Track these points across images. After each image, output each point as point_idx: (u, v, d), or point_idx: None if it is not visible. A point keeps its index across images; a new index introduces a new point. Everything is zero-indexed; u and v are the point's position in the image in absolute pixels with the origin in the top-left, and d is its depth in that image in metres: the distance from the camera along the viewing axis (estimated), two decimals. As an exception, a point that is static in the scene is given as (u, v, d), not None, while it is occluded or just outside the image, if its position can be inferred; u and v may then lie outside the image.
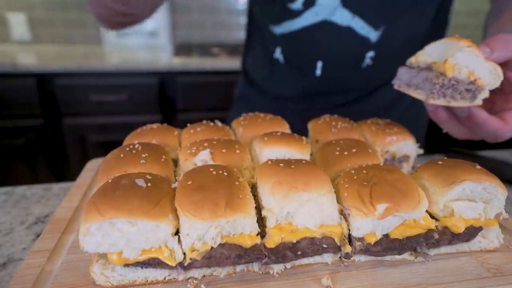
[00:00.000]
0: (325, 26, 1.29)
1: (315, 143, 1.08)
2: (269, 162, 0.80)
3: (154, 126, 1.08)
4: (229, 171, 0.76)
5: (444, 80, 0.84)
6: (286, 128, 1.11)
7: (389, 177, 0.76)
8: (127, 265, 0.68)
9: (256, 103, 1.63)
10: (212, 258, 0.67)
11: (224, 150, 0.89)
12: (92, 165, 1.19)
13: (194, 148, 0.90)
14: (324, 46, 1.34)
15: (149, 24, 3.67)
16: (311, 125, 1.16)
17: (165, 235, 0.66)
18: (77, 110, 3.03)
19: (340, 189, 0.78)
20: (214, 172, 0.74)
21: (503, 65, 0.87)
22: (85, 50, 3.49)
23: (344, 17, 1.27)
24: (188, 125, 1.11)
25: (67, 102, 2.99)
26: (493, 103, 0.94)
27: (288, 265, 0.75)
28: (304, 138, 0.98)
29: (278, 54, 1.44)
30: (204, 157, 0.87)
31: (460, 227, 0.75)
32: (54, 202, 1.10)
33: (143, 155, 0.86)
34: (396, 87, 0.96)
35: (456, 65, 0.83)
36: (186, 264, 0.68)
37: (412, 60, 0.92)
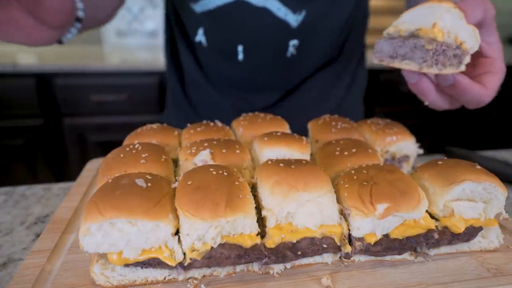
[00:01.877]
0: (240, 6, 1.26)
1: (315, 143, 1.08)
2: (269, 162, 0.80)
3: (154, 126, 1.08)
4: (229, 171, 0.76)
5: (437, 46, 0.78)
6: (286, 128, 1.11)
7: (389, 177, 0.76)
8: (127, 265, 0.68)
9: (187, 107, 1.58)
10: (212, 258, 0.67)
11: (224, 150, 0.89)
12: (92, 165, 1.19)
13: (194, 148, 0.90)
14: (243, 29, 1.31)
15: (149, 24, 3.68)
16: (311, 125, 1.16)
17: (165, 235, 0.66)
18: (77, 110, 3.03)
19: (340, 189, 0.78)
20: (214, 172, 0.74)
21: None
22: (85, 50, 3.49)
23: None
24: (188, 125, 1.11)
25: (67, 102, 2.99)
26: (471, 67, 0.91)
27: (288, 265, 0.75)
28: (304, 138, 0.98)
29: (200, 36, 1.40)
30: (204, 157, 0.87)
31: (460, 227, 0.75)
32: (54, 202, 1.10)
33: (143, 155, 0.86)
34: (377, 61, 0.88)
35: (444, 29, 0.78)
36: (186, 264, 0.68)
37: (390, 30, 0.84)
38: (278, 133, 0.96)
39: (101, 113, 3.08)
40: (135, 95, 3.07)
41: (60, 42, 1.03)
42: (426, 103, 0.92)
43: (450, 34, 0.78)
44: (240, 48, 1.35)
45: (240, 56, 1.37)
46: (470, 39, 0.80)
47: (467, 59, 0.81)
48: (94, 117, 3.08)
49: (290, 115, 1.24)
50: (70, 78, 2.92)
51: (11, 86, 2.86)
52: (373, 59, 0.89)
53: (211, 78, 1.49)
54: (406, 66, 0.82)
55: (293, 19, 1.28)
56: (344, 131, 1.06)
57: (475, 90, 0.83)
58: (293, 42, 1.33)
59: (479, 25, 0.83)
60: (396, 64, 0.84)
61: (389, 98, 3.54)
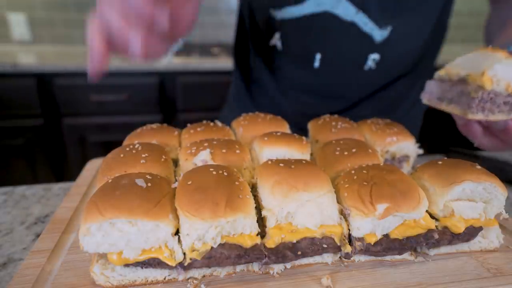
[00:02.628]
0: (327, 18, 1.26)
1: (315, 143, 1.08)
2: (269, 162, 0.80)
3: (154, 126, 1.08)
4: (229, 171, 0.76)
5: (483, 94, 0.79)
6: (286, 128, 1.11)
7: (389, 177, 0.76)
8: (127, 265, 0.68)
9: (249, 104, 1.60)
10: (212, 258, 0.68)
11: (224, 150, 0.89)
12: (92, 165, 1.19)
13: (194, 148, 0.90)
14: (324, 39, 1.31)
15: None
16: (311, 125, 1.16)
17: (165, 235, 0.66)
18: (77, 110, 3.03)
19: (340, 189, 0.78)
20: (214, 172, 0.74)
21: None
22: (85, 50, 3.48)
23: (348, 11, 1.24)
24: (188, 125, 1.11)
25: (67, 102, 2.99)
26: None
27: (288, 265, 0.75)
28: (304, 138, 0.98)
29: (276, 40, 1.39)
30: (204, 157, 0.87)
31: (460, 227, 0.75)
32: (54, 202, 1.10)
33: (143, 155, 0.86)
34: (425, 101, 0.91)
35: (494, 77, 0.79)
36: (186, 264, 0.68)
37: (441, 73, 0.87)
38: (278, 133, 0.96)
39: (101, 113, 3.08)
40: (135, 95, 3.07)
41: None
42: (475, 145, 0.93)
43: (500, 82, 0.79)
44: (317, 56, 1.35)
45: (316, 64, 1.36)
46: None
47: None
48: (94, 117, 3.08)
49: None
50: (70, 78, 2.92)
51: (11, 86, 2.86)
52: (422, 98, 0.93)
53: (280, 81, 1.49)
54: (452, 110, 0.85)
55: (378, 34, 1.27)
56: (344, 131, 1.06)
57: None
58: (374, 56, 1.32)
59: None
60: (443, 107, 0.86)
61: None
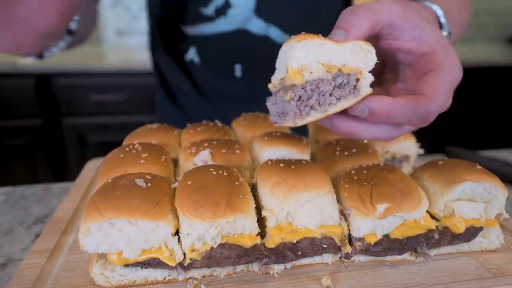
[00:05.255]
0: (241, 34, 1.27)
1: (315, 143, 1.08)
2: (269, 162, 0.80)
3: (154, 126, 1.08)
4: (229, 171, 0.76)
5: (296, 91, 0.64)
6: (286, 128, 1.11)
7: (390, 177, 0.76)
8: (127, 265, 0.68)
9: (174, 111, 1.55)
10: (212, 258, 0.67)
11: (224, 150, 0.89)
12: (92, 165, 1.19)
13: (194, 148, 0.90)
14: (242, 51, 1.31)
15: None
16: (311, 125, 1.16)
17: (165, 235, 0.66)
18: (77, 110, 3.03)
19: (340, 189, 0.78)
20: (214, 172, 0.74)
21: (379, 36, 0.71)
22: (85, 50, 3.48)
23: (258, 26, 1.25)
24: (188, 125, 1.11)
25: (66, 102, 2.99)
26: (403, 83, 0.74)
27: (288, 265, 0.75)
28: (304, 138, 0.98)
29: (192, 54, 1.36)
30: (204, 157, 0.87)
31: (460, 227, 0.75)
32: (54, 202, 1.10)
33: (143, 155, 0.86)
34: (276, 125, 0.72)
35: (302, 67, 0.64)
36: (186, 264, 0.68)
37: (270, 87, 0.70)
38: (278, 133, 0.96)
39: (101, 113, 3.08)
40: (135, 95, 3.07)
41: (40, 56, 0.95)
42: (365, 141, 0.78)
43: (313, 69, 0.64)
44: (238, 67, 1.35)
45: (238, 73, 1.37)
46: (355, 57, 0.65)
47: (366, 80, 0.66)
48: (94, 117, 3.08)
49: None
50: (70, 78, 2.92)
51: (11, 86, 2.86)
52: (272, 121, 0.73)
53: (204, 92, 1.47)
54: (288, 123, 0.68)
55: None
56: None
57: (403, 106, 0.63)
58: None
59: (390, 28, 0.68)
60: (284, 123, 0.69)
61: None
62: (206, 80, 1.44)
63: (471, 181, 0.76)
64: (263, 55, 1.28)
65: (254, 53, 1.30)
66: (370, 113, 0.64)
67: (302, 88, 0.64)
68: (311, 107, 0.65)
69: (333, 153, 0.94)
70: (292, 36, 0.64)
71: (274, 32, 1.26)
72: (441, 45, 0.67)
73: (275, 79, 0.68)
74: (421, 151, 1.10)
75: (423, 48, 0.68)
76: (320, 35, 0.64)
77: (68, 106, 3.00)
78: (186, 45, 1.39)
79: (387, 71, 0.77)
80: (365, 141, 1.00)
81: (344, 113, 0.68)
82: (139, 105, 3.10)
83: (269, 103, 0.71)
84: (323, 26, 1.26)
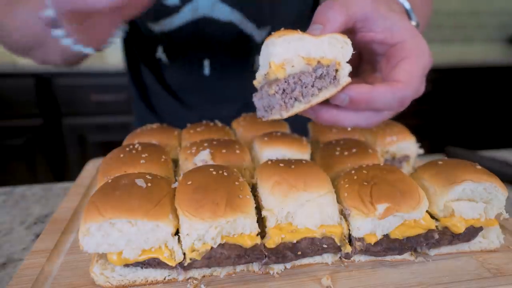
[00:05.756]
0: (207, 22, 1.26)
1: (315, 143, 1.08)
2: (269, 162, 0.80)
3: (154, 126, 1.08)
4: (229, 171, 0.76)
5: (280, 85, 0.67)
6: (286, 128, 1.11)
7: (390, 177, 0.76)
8: (127, 265, 0.68)
9: (148, 113, 1.54)
10: (212, 258, 0.67)
11: (224, 150, 0.89)
12: (92, 165, 1.19)
13: (194, 148, 0.90)
14: (209, 43, 1.31)
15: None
16: (311, 125, 1.16)
17: (165, 235, 0.66)
18: (77, 110, 3.03)
19: (340, 189, 0.78)
20: (214, 172, 0.74)
21: (354, 30, 0.74)
22: (85, 50, 3.48)
23: (224, 12, 1.25)
24: (188, 125, 1.11)
25: (66, 102, 2.99)
26: (379, 72, 0.78)
27: (288, 265, 0.75)
28: (304, 138, 0.98)
29: (160, 53, 1.36)
30: (204, 157, 0.87)
31: (460, 227, 0.75)
32: (54, 202, 1.10)
33: (143, 155, 0.86)
34: (264, 119, 0.73)
35: (284, 62, 0.66)
36: (186, 264, 0.68)
37: (255, 83, 0.73)
38: (278, 133, 0.96)
39: (101, 113, 3.08)
40: (135, 95, 3.07)
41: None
42: (349, 128, 0.83)
43: (294, 62, 0.67)
44: (206, 62, 1.35)
45: (206, 71, 1.37)
46: (332, 49, 0.68)
47: (344, 70, 0.69)
48: (94, 117, 3.08)
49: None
50: (70, 78, 2.92)
51: (11, 86, 2.86)
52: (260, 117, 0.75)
53: (176, 92, 1.47)
54: (273, 116, 0.71)
55: (258, 34, 1.30)
56: (344, 131, 1.06)
57: (381, 92, 0.67)
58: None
59: (363, 20, 0.71)
60: (270, 117, 0.71)
61: None
62: (175, 80, 1.45)
63: (471, 181, 0.76)
64: (229, 46, 1.31)
65: (221, 44, 1.31)
66: (350, 101, 0.68)
67: (285, 82, 0.67)
68: (295, 99, 0.68)
69: (333, 153, 0.94)
70: (273, 33, 0.67)
71: (237, 18, 1.27)
72: (411, 33, 0.71)
73: (259, 75, 0.71)
74: (421, 151, 1.10)
75: (395, 37, 0.71)
76: (298, 30, 0.68)
77: (68, 106, 3.00)
78: (154, 44, 1.38)
79: (364, 63, 0.80)
80: (363, 139, 1.01)
81: (327, 103, 0.71)
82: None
83: (256, 98, 0.73)
84: (289, 16, 1.26)
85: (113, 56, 3.32)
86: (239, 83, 1.39)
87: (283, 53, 0.66)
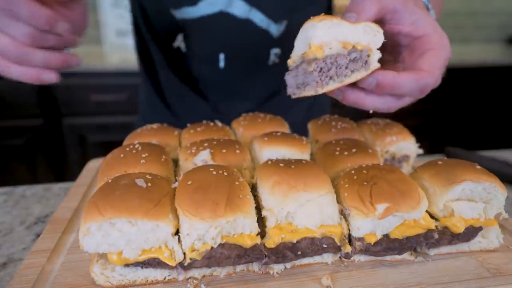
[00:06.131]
0: (223, 17, 1.27)
1: (315, 143, 1.08)
2: (269, 162, 0.80)
3: (154, 126, 1.08)
4: (229, 171, 0.76)
5: (318, 63, 0.74)
6: (286, 128, 1.11)
7: (389, 177, 0.76)
8: (127, 265, 0.68)
9: (162, 108, 1.54)
10: (212, 258, 0.67)
11: (224, 150, 0.89)
12: (92, 165, 1.19)
13: (194, 148, 0.90)
14: (225, 38, 1.32)
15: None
16: (311, 125, 1.16)
17: (165, 235, 0.66)
18: (77, 110, 3.02)
19: (340, 189, 0.78)
20: (214, 172, 0.74)
21: (383, 21, 0.80)
22: (85, 50, 3.49)
23: (241, 9, 1.26)
24: (188, 125, 1.11)
25: (67, 102, 2.99)
26: (401, 63, 0.84)
27: (288, 265, 0.75)
28: (304, 138, 0.98)
29: (179, 41, 1.37)
30: (204, 157, 0.87)
31: (460, 227, 0.75)
32: (54, 202, 1.10)
33: (143, 155, 0.86)
34: (293, 96, 0.82)
35: (322, 44, 0.73)
36: (186, 264, 0.68)
37: (289, 63, 0.80)
38: (278, 133, 0.96)
39: (101, 113, 3.07)
40: (135, 95, 3.06)
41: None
42: (371, 112, 0.86)
43: (332, 45, 0.73)
44: (221, 56, 1.36)
45: (222, 64, 1.37)
46: (366, 36, 0.75)
47: (375, 56, 0.76)
48: (94, 117, 3.08)
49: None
50: (70, 78, 2.91)
51: (11, 86, 2.86)
52: (288, 94, 0.83)
53: (190, 82, 1.48)
54: (307, 92, 0.78)
55: (275, 29, 1.30)
56: (344, 131, 1.06)
57: (406, 79, 0.73)
58: (275, 51, 1.36)
59: (393, 13, 0.78)
60: (303, 94, 0.79)
61: None
62: (192, 70, 1.44)
63: (470, 181, 0.76)
64: (245, 41, 1.31)
65: (237, 39, 1.32)
66: (377, 85, 0.74)
67: (323, 61, 0.74)
68: (330, 78, 0.75)
69: (333, 153, 0.94)
70: (312, 17, 0.75)
71: (256, 16, 1.27)
72: (434, 28, 0.78)
73: (295, 55, 0.77)
74: (421, 151, 1.10)
75: (420, 31, 0.78)
76: (337, 16, 0.75)
77: (68, 106, 3.00)
78: (174, 32, 1.38)
79: (386, 53, 0.84)
80: (363, 139, 1.01)
81: (354, 86, 0.78)
82: (139, 105, 3.10)
83: (289, 76, 0.80)
84: (306, 15, 1.27)
85: (113, 56, 3.32)
86: (254, 79, 1.42)
87: (322, 36, 0.73)
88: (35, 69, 0.80)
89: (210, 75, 1.42)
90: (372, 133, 1.11)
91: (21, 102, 2.89)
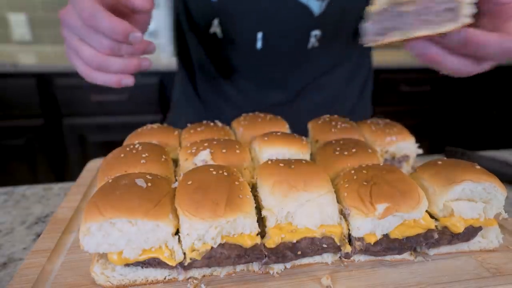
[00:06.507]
0: None
1: (315, 143, 1.08)
2: (269, 162, 0.80)
3: (155, 126, 1.08)
4: (229, 171, 0.76)
5: (418, 5, 0.73)
6: (286, 128, 1.11)
7: (389, 177, 0.76)
8: (127, 265, 0.68)
9: (197, 104, 1.57)
10: (212, 258, 0.68)
11: (224, 150, 0.89)
12: (92, 165, 1.19)
13: (194, 148, 0.90)
14: (263, 14, 1.29)
15: (150, 24, 3.66)
16: (311, 125, 1.16)
17: (165, 235, 0.66)
18: (77, 110, 3.03)
19: (340, 189, 0.78)
20: (214, 172, 0.74)
21: None
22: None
23: None
24: (188, 125, 1.11)
25: (67, 102, 2.99)
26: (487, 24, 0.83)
27: (288, 265, 0.75)
28: (304, 138, 0.98)
29: (215, 27, 1.37)
30: (204, 157, 0.87)
31: (459, 227, 0.75)
32: (55, 202, 1.10)
33: (143, 155, 0.86)
34: (368, 44, 0.81)
35: None
36: (186, 264, 0.68)
37: (372, 9, 0.78)
38: (278, 133, 0.96)
39: (102, 113, 3.08)
40: (136, 95, 3.07)
41: None
42: (443, 72, 0.83)
43: None
44: (259, 35, 1.33)
45: (259, 44, 1.34)
46: None
47: (468, 9, 0.72)
48: (94, 117, 3.09)
49: (303, 114, 1.24)
50: (71, 78, 2.92)
51: (11, 86, 2.86)
52: (364, 43, 0.82)
53: (225, 71, 1.47)
54: (393, 37, 0.77)
55: (316, 5, 1.26)
56: (344, 131, 1.06)
57: (493, 40, 0.72)
58: (315, 33, 1.32)
59: None
60: (386, 40, 0.78)
61: (389, 97, 3.54)
62: (227, 56, 1.43)
63: (470, 181, 0.76)
64: (285, 17, 1.29)
65: (276, 16, 1.29)
66: (465, 40, 0.72)
67: (420, 3, 0.73)
68: (424, 22, 0.73)
69: (333, 153, 0.93)
70: None
71: None
72: None
73: (381, 1, 0.77)
74: (420, 151, 1.10)
75: None
76: None
77: (68, 106, 3.00)
78: (210, 17, 1.37)
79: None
80: (363, 139, 1.01)
81: (435, 42, 0.77)
82: (140, 105, 3.10)
83: (369, 23, 0.79)
84: None
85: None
86: (292, 64, 1.39)
87: None
88: (115, 75, 0.90)
89: (246, 60, 1.41)
90: (372, 133, 1.11)
91: (21, 102, 2.89)
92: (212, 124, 1.10)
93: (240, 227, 0.68)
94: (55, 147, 3.11)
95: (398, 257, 0.77)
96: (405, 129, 1.11)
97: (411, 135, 1.09)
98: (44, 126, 3.00)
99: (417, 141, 1.09)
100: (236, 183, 0.73)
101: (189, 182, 0.72)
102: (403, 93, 3.52)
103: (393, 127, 1.11)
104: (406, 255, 0.78)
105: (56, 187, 1.19)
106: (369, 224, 0.72)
